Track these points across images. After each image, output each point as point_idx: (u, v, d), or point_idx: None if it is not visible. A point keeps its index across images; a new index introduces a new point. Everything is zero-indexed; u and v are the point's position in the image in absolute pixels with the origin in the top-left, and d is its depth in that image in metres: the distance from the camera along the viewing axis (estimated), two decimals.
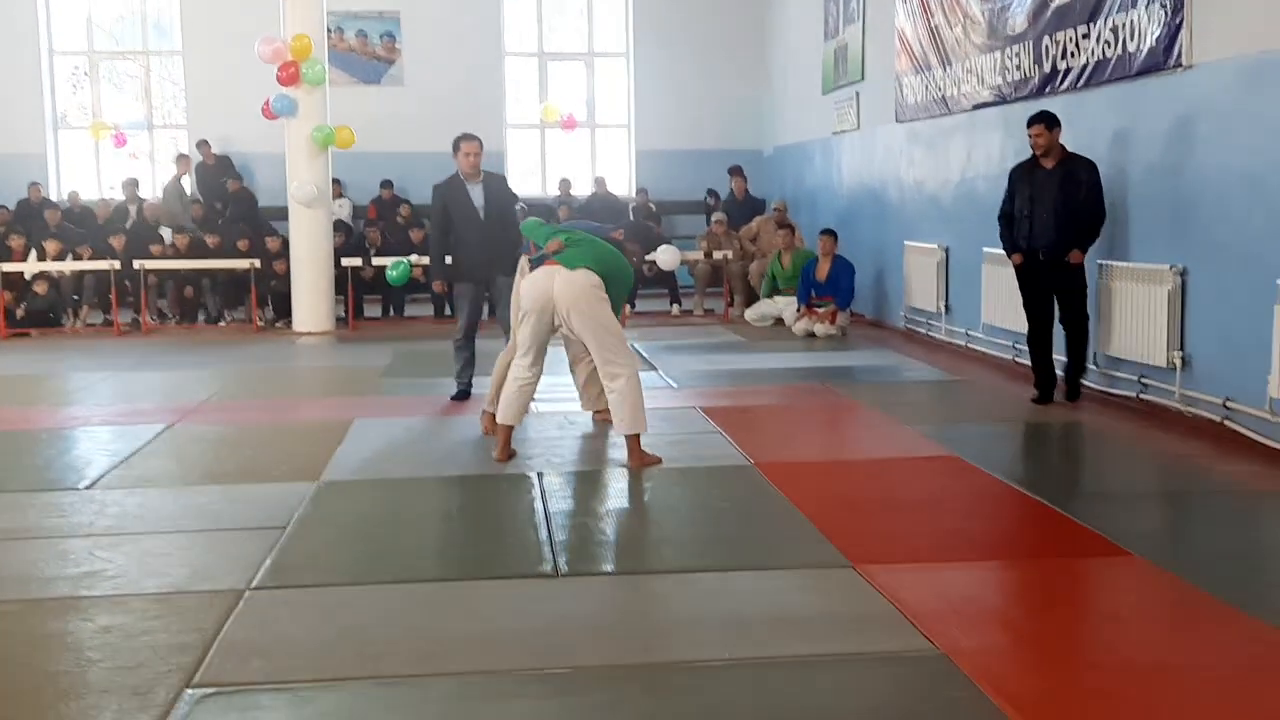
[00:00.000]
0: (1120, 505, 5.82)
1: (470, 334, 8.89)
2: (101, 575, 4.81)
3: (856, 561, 4.80)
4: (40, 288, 13.49)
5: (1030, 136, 8.19)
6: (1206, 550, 5.13)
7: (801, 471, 6.51)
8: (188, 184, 16.74)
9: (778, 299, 13.29)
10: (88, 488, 6.29)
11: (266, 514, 5.68)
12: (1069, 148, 8.24)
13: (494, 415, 7.08)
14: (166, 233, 14.80)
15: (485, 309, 9.37)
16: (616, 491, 6.24)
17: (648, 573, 4.83)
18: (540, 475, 6.41)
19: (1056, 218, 8.08)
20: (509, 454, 6.80)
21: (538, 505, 5.81)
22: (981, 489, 6.08)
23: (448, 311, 14.24)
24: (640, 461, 6.58)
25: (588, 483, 6.41)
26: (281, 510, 5.72)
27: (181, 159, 16.62)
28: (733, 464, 6.65)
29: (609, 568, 4.95)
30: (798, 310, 12.67)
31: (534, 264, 6.96)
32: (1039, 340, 8.39)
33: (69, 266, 13.67)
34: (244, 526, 5.52)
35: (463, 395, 8.86)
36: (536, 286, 6.58)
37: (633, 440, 6.60)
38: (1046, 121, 8.11)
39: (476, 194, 8.74)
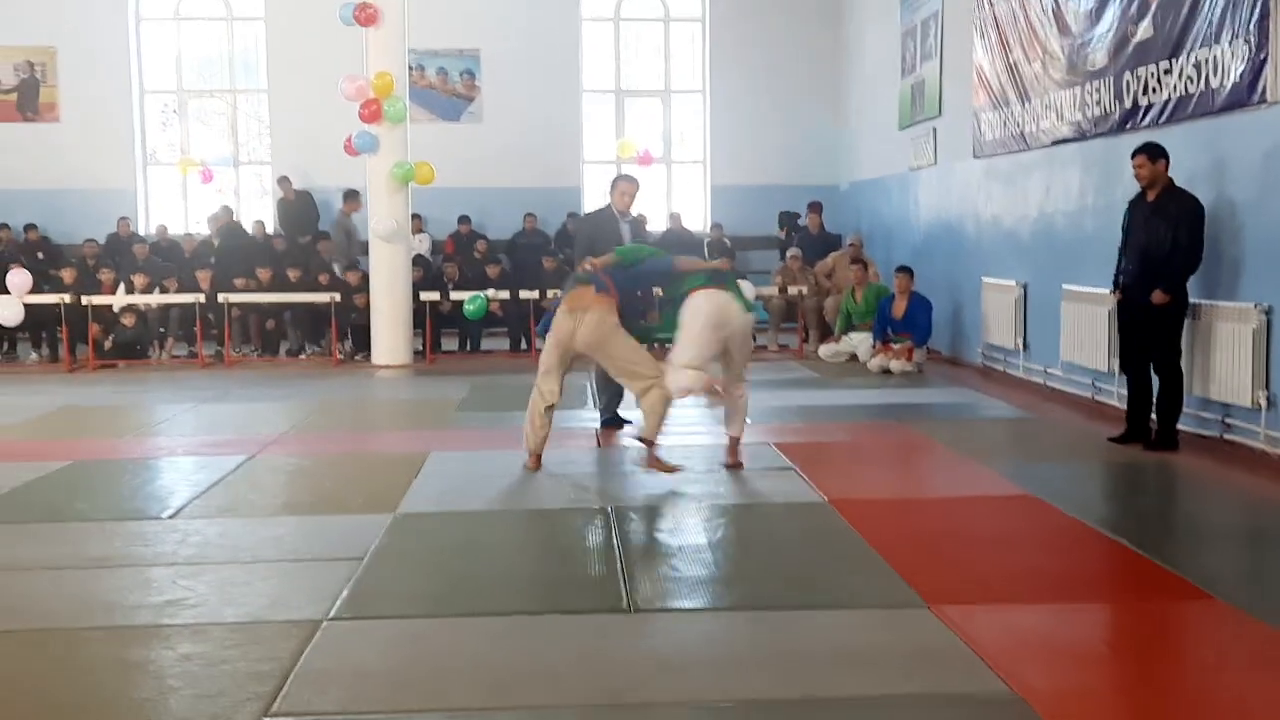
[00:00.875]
0: (1202, 547, 5.73)
1: None
2: (183, 604, 4.91)
3: (931, 601, 4.76)
4: (128, 320, 13.80)
5: (1134, 168, 8.04)
6: None
7: (876, 509, 6.47)
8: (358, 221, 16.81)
9: (852, 335, 13.24)
10: (171, 517, 6.42)
11: (343, 545, 5.76)
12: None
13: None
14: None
15: None
16: (690, 527, 6.24)
17: (721, 609, 4.83)
18: (613, 509, 6.44)
19: (1142, 254, 7.93)
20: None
21: (612, 539, 5.84)
22: (1058, 528, 6.00)
23: (523, 345, 14.39)
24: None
25: (661, 518, 6.42)
26: (358, 542, 5.79)
27: (351, 195, 16.33)
28: (807, 501, 6.63)
29: (682, 604, 4.94)
30: (873, 346, 12.62)
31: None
32: (1129, 380, 8.23)
33: (156, 299, 13.98)
34: (322, 557, 5.60)
35: (612, 423, 9.01)
36: (725, 307, 7.18)
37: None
38: (1149, 152, 7.90)
39: (625, 230, 9.05)
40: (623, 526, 6.09)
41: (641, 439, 7.29)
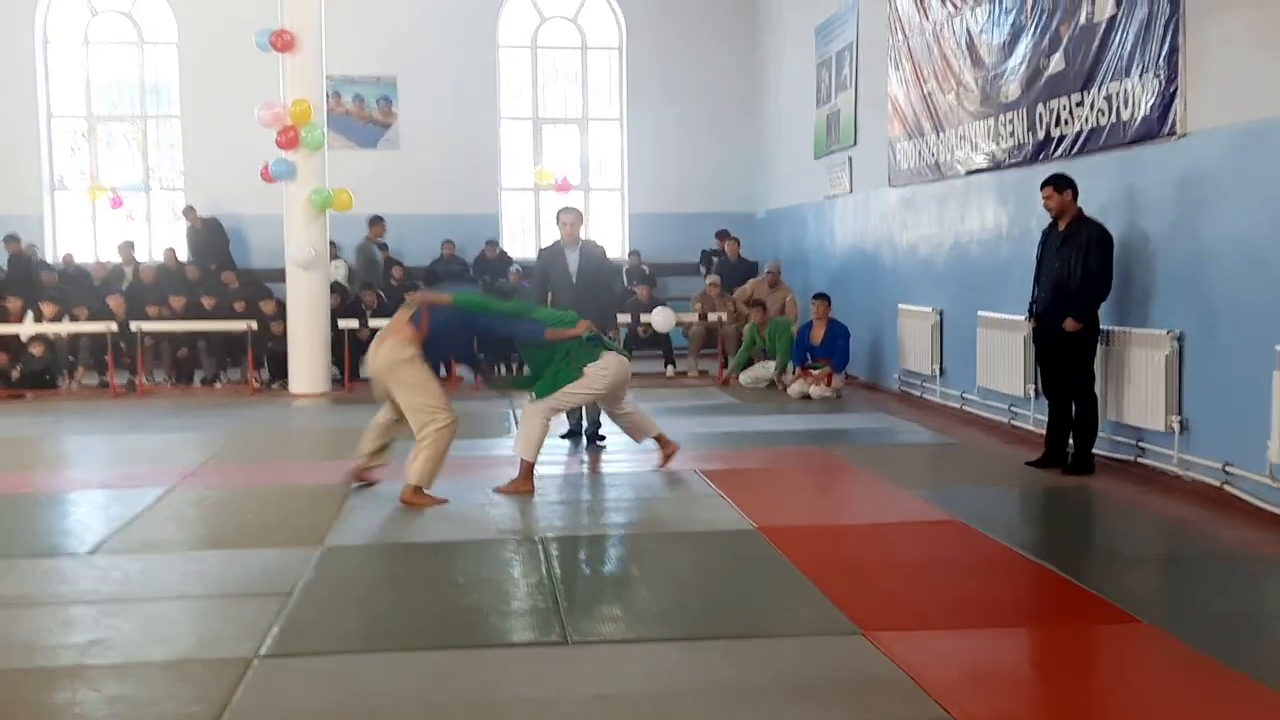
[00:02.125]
0: (1125, 570, 5.85)
1: None
2: (108, 643, 4.78)
3: (865, 628, 4.80)
4: (37, 349, 13.48)
5: (1043, 199, 8.23)
6: (1213, 617, 5.11)
7: (805, 535, 6.52)
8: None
9: (756, 365, 13.43)
10: (90, 553, 6.26)
11: (271, 579, 5.67)
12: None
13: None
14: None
15: None
16: (621, 556, 6.25)
17: (657, 640, 4.81)
18: (544, 540, 6.41)
19: (1054, 283, 8.12)
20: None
21: (544, 570, 5.81)
22: (985, 553, 6.09)
23: (443, 372, 14.26)
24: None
25: (592, 548, 6.42)
26: (286, 576, 5.70)
27: (376, 220, 16.47)
28: (736, 528, 6.66)
29: (618, 635, 4.92)
30: (793, 372, 12.74)
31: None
32: (1049, 405, 8.37)
33: (67, 328, 13.68)
34: (249, 593, 5.51)
35: (572, 434, 9.65)
36: (624, 368, 8.01)
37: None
38: (1056, 184, 8.10)
39: (573, 259, 9.37)
40: (554, 557, 6.07)
41: (413, 483, 7.43)
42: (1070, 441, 8.21)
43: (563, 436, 9.69)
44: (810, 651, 4.63)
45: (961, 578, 5.67)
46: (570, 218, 9.49)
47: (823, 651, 4.62)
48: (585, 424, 9.62)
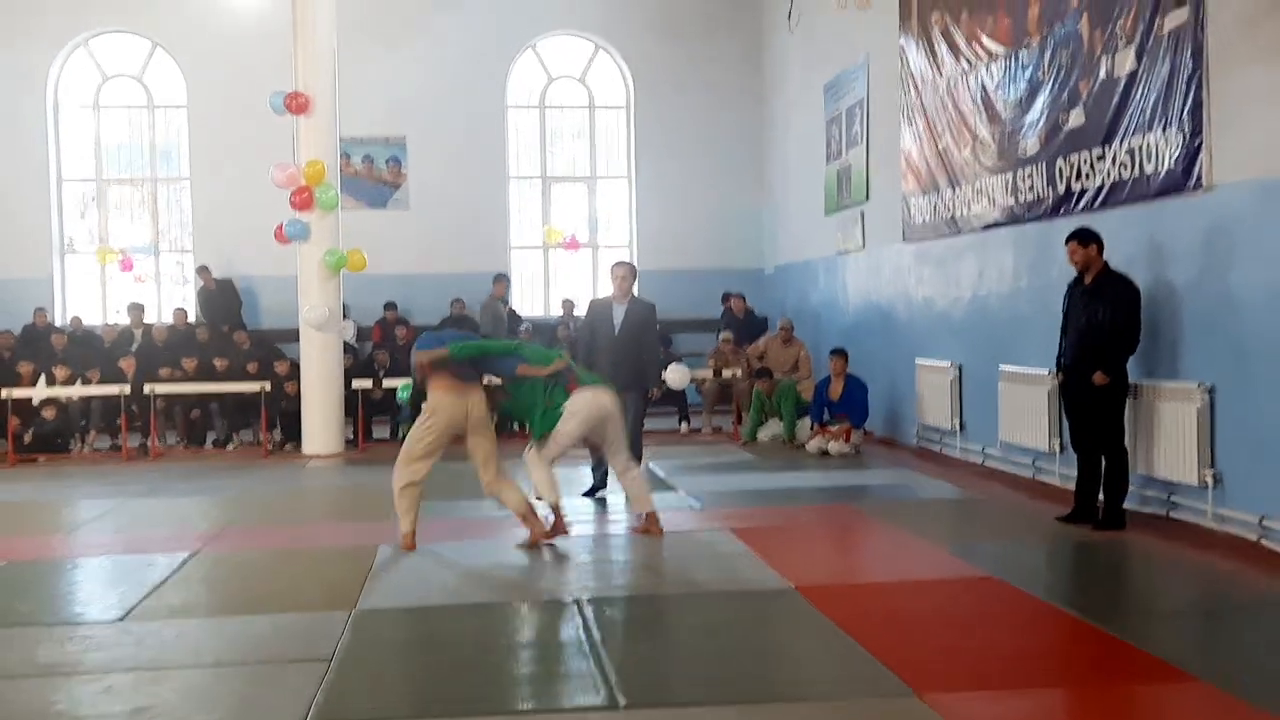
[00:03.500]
0: (1170, 626, 5.80)
1: None
2: (152, 711, 4.71)
3: (918, 689, 4.73)
4: (49, 413, 13.44)
5: (1068, 254, 8.24)
6: (1266, 671, 5.04)
7: (843, 594, 6.45)
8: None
9: (771, 422, 13.41)
10: (120, 619, 6.20)
11: (308, 645, 5.60)
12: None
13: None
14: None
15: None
16: (661, 617, 6.17)
17: (710, 704, 4.73)
18: (578, 602, 6.34)
19: (1080, 336, 8.11)
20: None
21: (585, 632, 5.74)
22: (1028, 610, 6.03)
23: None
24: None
25: (631, 609, 6.33)
26: (323, 640, 5.64)
27: (500, 278, 16.82)
28: (774, 587, 6.59)
29: (667, 699, 4.84)
30: (811, 428, 12.70)
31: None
32: (1079, 460, 8.33)
33: (79, 392, 13.64)
34: (288, 659, 5.44)
35: (595, 490, 9.72)
36: (599, 401, 7.95)
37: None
38: (1080, 238, 8.12)
39: (618, 314, 9.60)
40: (594, 618, 5.99)
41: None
42: (1100, 496, 8.16)
43: (585, 495, 9.66)
44: (867, 714, 4.56)
45: (1008, 635, 5.60)
46: (622, 271, 9.78)
47: (880, 714, 4.55)
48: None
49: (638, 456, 9.45)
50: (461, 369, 7.79)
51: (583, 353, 9.79)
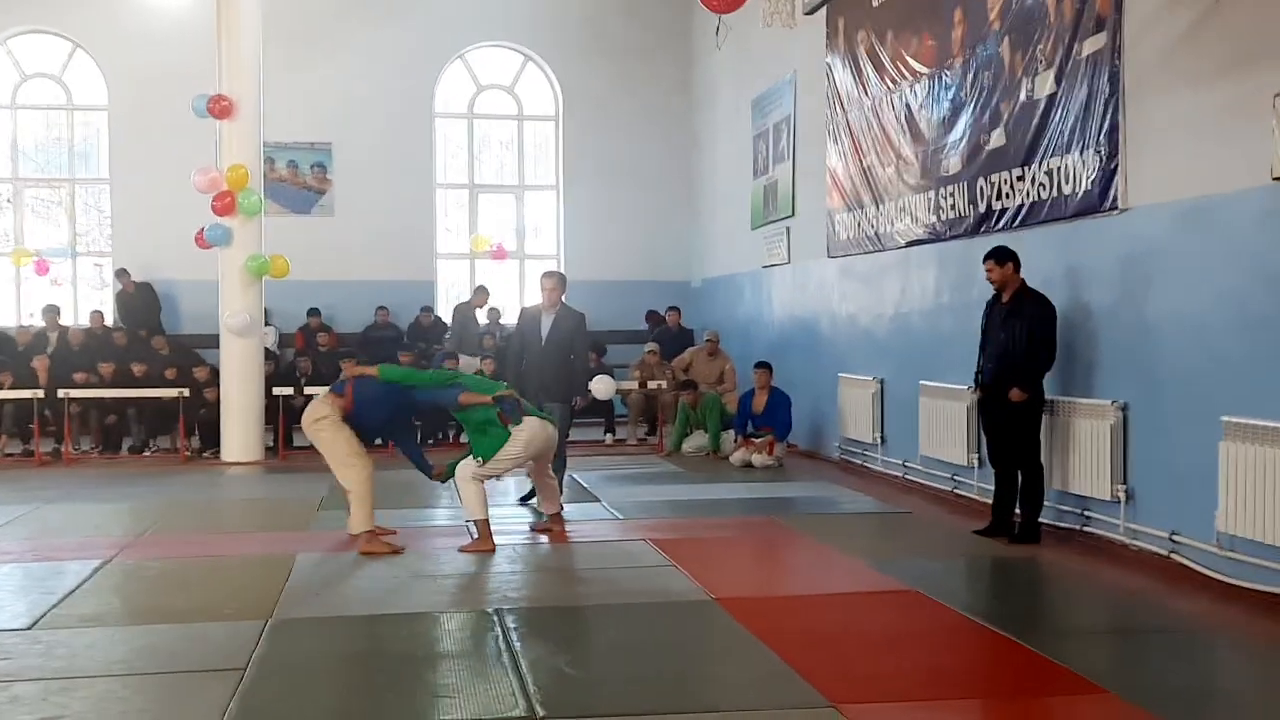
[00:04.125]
0: (1084, 640, 5.89)
1: None
2: None
3: (837, 701, 4.76)
4: None
5: (985, 272, 8.36)
6: (1177, 687, 5.14)
7: (763, 606, 6.50)
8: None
9: (695, 434, 13.45)
10: (30, 627, 6.07)
11: (223, 654, 5.53)
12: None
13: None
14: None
15: None
16: (582, 628, 6.17)
17: (628, 715, 4.72)
18: (499, 612, 6.31)
19: (998, 354, 8.22)
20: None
21: (501, 644, 5.71)
22: (946, 624, 6.10)
23: (379, 441, 14.10)
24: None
25: (551, 619, 6.31)
26: (238, 650, 5.56)
27: (480, 290, 16.61)
28: (695, 599, 6.61)
29: (585, 710, 4.82)
30: (735, 440, 12.76)
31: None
32: (996, 475, 8.44)
33: None
34: (202, 668, 5.36)
35: (530, 498, 9.65)
36: (546, 433, 8.24)
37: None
38: (996, 257, 8.24)
39: (546, 323, 9.65)
40: (510, 629, 5.97)
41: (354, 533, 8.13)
42: (1017, 510, 8.28)
43: (521, 501, 9.75)
44: None
45: (927, 648, 5.66)
46: (550, 283, 9.81)
47: None
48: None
49: (562, 465, 9.49)
50: (342, 388, 8.24)
51: (513, 362, 9.92)
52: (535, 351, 9.67)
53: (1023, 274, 8.28)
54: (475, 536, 8.08)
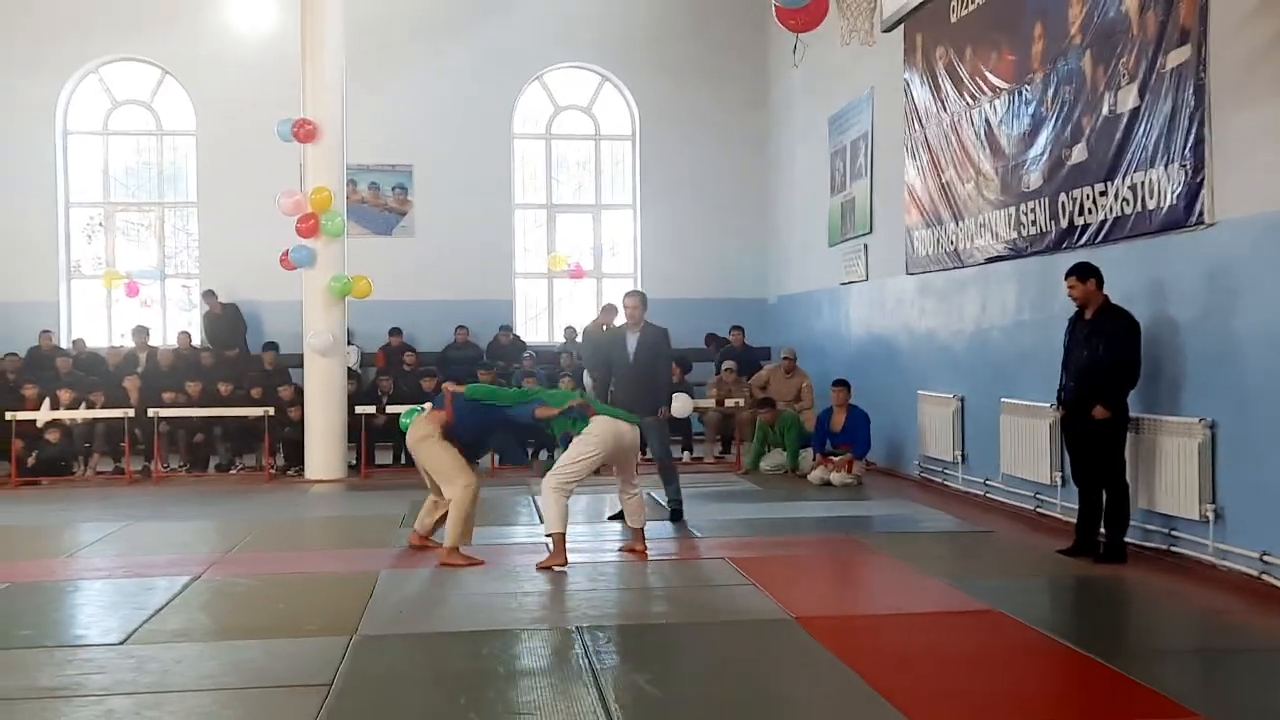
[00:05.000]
0: (1170, 662, 5.78)
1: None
2: None
3: None
4: (53, 436, 13.47)
5: (1067, 288, 8.27)
6: (1266, 710, 5.04)
7: (843, 626, 6.46)
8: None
9: (774, 451, 13.41)
10: (122, 643, 6.21)
11: (308, 670, 5.61)
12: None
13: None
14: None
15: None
16: (663, 647, 6.16)
17: None
18: (580, 629, 6.35)
19: (1081, 371, 8.12)
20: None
21: (582, 662, 5.74)
22: (1029, 645, 6.03)
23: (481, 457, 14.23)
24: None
25: (632, 638, 6.33)
26: (323, 666, 5.65)
27: (607, 308, 15.95)
28: (774, 618, 6.59)
29: None
30: (813, 459, 12.71)
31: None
32: (1080, 493, 8.33)
33: (83, 414, 13.67)
34: (288, 684, 5.45)
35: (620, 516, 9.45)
36: (616, 430, 8.22)
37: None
38: (1078, 273, 8.15)
39: (631, 342, 9.92)
40: (594, 647, 5.99)
41: (447, 545, 8.30)
42: (1102, 530, 8.16)
43: (611, 519, 9.83)
44: None
45: (1010, 670, 5.60)
46: (633, 301, 10.01)
47: None
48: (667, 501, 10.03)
49: (671, 478, 10.01)
50: (442, 402, 8.61)
51: (600, 384, 10.23)
52: (623, 369, 9.90)
53: (1106, 290, 8.18)
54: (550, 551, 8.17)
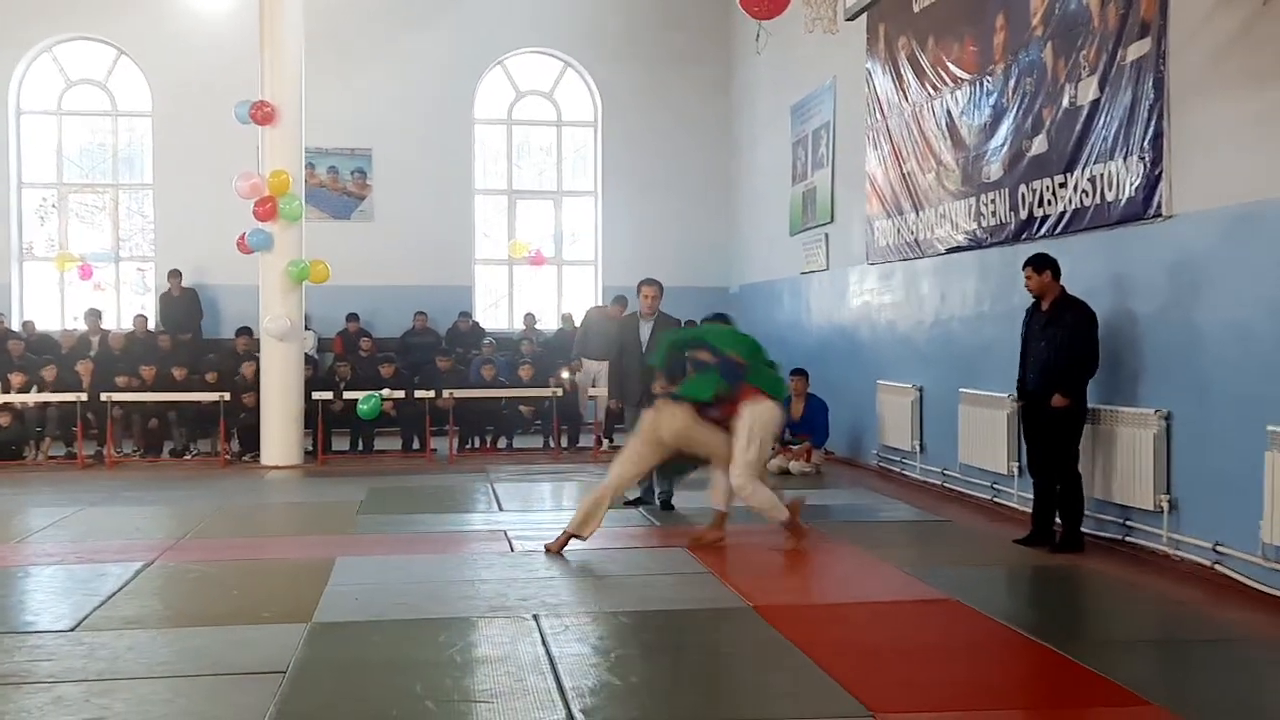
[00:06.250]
0: (1125, 652, 5.80)
1: None
2: None
3: (875, 709, 4.74)
4: (3, 419, 13.28)
5: (1024, 279, 8.30)
6: (1218, 700, 5.07)
7: (801, 615, 6.46)
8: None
9: None
10: (72, 629, 6.12)
11: (262, 657, 5.55)
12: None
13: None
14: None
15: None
16: (620, 635, 6.14)
17: None
18: (537, 617, 6.31)
19: (1040, 361, 8.16)
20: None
21: (539, 650, 5.70)
22: (986, 633, 6.04)
23: (416, 445, 14.19)
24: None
25: (587, 625, 6.29)
26: (278, 653, 5.59)
27: (618, 300, 15.61)
28: (731, 606, 6.59)
29: (625, 716, 4.82)
30: (772, 447, 12.68)
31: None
32: (1035, 483, 8.38)
33: (34, 398, 13.49)
34: (242, 671, 5.38)
35: (663, 502, 9.83)
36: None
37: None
38: (1034, 264, 8.18)
39: (645, 330, 9.96)
40: (548, 634, 5.96)
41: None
42: (1058, 519, 8.21)
43: (626, 504, 9.75)
44: None
45: (967, 658, 5.62)
46: (651, 290, 10.01)
47: None
48: (657, 491, 9.91)
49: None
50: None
51: (615, 372, 10.26)
52: (637, 358, 9.87)
53: (1066, 281, 8.21)
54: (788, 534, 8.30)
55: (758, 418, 8.11)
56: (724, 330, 8.73)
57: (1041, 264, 8.19)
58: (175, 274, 16.68)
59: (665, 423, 8.18)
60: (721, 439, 8.19)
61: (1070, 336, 7.99)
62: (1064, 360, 7.99)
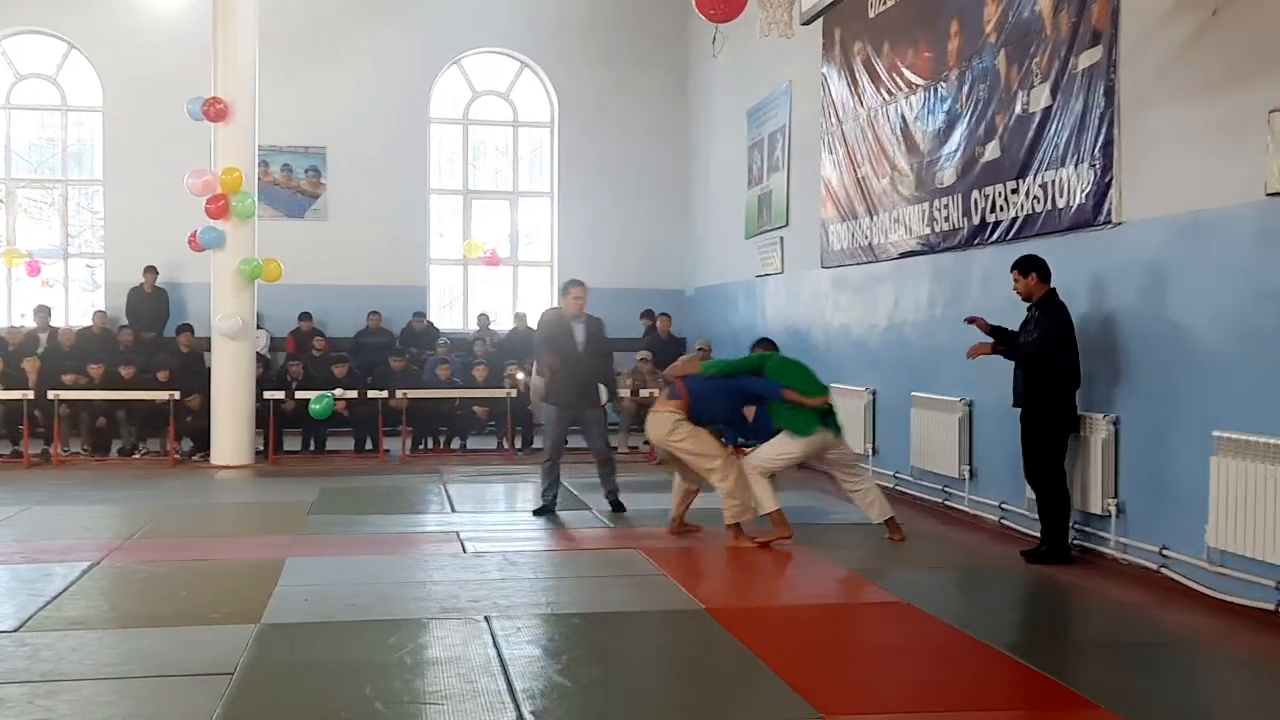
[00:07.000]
0: (1080, 656, 5.85)
1: (556, 456, 9.82)
2: None
3: (827, 712, 4.75)
4: None
5: (1012, 282, 8.11)
6: (1168, 704, 5.12)
7: (753, 617, 6.48)
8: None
9: None
10: (15, 630, 6.04)
11: (210, 659, 5.50)
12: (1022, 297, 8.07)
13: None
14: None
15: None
16: (572, 637, 6.13)
17: None
18: (489, 619, 6.29)
19: (1022, 366, 7.99)
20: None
21: (490, 652, 5.68)
22: (936, 636, 6.08)
23: (369, 446, 14.11)
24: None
25: (538, 627, 6.28)
26: (225, 655, 5.53)
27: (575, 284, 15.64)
28: (685, 609, 6.60)
29: (574, 719, 4.82)
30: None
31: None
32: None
33: None
34: (189, 673, 5.33)
35: (545, 511, 9.71)
36: (828, 442, 8.74)
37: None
38: (1020, 267, 7.96)
39: (579, 331, 9.83)
40: (500, 636, 5.94)
41: (729, 523, 8.45)
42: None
43: (535, 513, 9.77)
44: None
45: (917, 661, 5.65)
46: (579, 291, 9.93)
47: None
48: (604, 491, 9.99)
49: (613, 469, 10.02)
50: (676, 392, 8.76)
51: (561, 371, 9.89)
52: (573, 359, 9.78)
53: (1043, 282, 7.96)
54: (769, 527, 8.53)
55: (804, 442, 8.57)
56: (782, 361, 9.08)
57: (1027, 266, 7.95)
58: (151, 270, 16.38)
59: (652, 428, 8.60)
60: (711, 447, 8.54)
61: (1040, 340, 7.76)
62: (1035, 366, 7.82)
